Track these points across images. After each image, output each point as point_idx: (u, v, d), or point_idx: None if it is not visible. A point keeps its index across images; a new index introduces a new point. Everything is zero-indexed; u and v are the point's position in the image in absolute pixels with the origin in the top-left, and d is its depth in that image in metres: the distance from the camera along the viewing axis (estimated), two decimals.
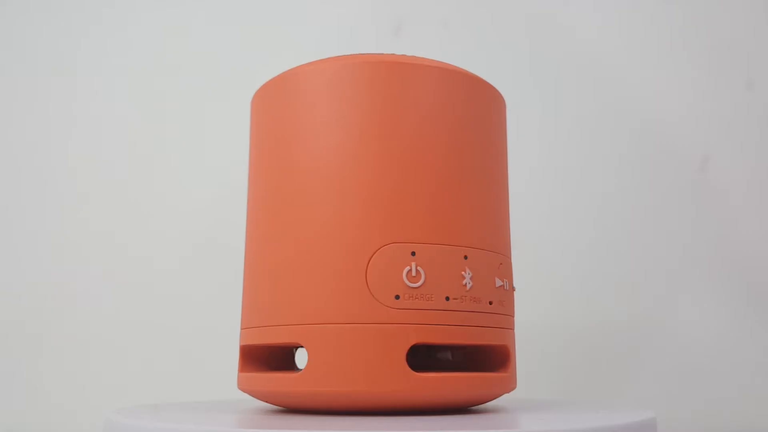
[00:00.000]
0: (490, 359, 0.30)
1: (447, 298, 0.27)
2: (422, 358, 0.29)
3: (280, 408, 0.31)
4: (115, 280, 0.55)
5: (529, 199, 0.54)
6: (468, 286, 0.28)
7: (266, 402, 0.30)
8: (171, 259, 0.55)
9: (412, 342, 0.26)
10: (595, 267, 0.54)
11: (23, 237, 0.56)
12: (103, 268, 0.55)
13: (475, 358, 0.31)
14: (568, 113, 0.56)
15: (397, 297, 0.27)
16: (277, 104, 0.30)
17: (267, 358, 0.31)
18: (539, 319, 0.51)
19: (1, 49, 0.60)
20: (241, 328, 0.31)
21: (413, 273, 0.27)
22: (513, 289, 0.31)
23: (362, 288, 0.27)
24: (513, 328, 0.31)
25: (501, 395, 0.30)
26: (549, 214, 0.54)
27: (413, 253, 0.27)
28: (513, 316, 0.31)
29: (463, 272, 0.28)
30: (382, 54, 0.29)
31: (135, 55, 0.59)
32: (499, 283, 0.29)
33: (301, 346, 0.28)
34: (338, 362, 0.26)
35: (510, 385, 0.30)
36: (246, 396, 0.34)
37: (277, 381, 0.28)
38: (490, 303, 0.29)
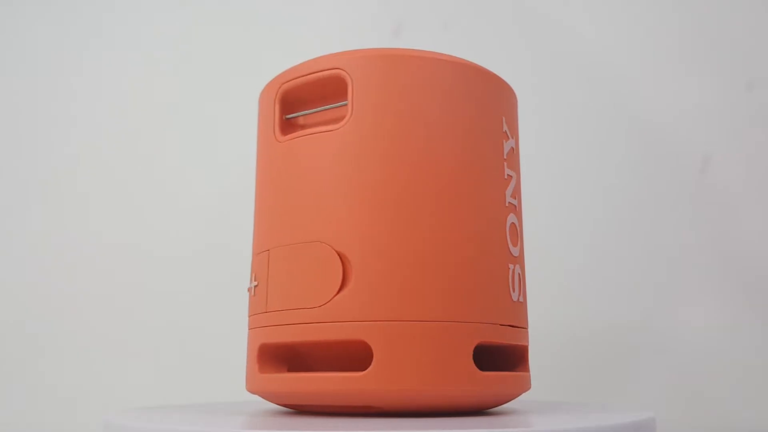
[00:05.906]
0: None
1: None
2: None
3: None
4: (115, 280, 0.55)
5: (528, 201, 0.54)
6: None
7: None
8: (172, 259, 0.55)
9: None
10: (594, 267, 0.54)
11: (23, 237, 0.56)
12: (104, 268, 0.55)
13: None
14: (568, 114, 0.56)
15: None
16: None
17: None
18: (538, 320, 0.51)
19: (2, 48, 0.60)
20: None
21: None
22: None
23: None
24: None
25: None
26: (548, 215, 0.54)
27: None
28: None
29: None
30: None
31: (136, 55, 0.59)
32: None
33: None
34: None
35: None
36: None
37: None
38: None
